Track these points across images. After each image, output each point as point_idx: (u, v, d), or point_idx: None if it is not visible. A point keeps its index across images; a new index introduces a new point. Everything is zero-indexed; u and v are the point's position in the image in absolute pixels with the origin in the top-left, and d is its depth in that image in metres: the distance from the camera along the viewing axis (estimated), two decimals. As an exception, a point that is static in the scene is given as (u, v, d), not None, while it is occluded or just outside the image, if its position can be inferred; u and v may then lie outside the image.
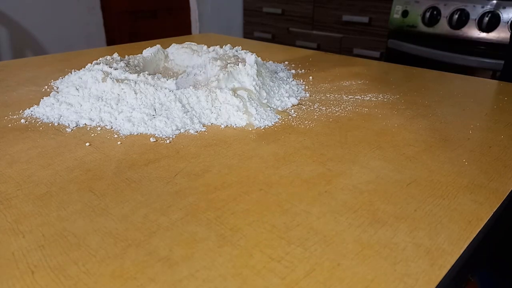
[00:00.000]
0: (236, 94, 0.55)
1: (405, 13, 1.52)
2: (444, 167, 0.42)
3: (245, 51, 0.66)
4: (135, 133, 0.49)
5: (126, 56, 0.67)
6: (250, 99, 0.55)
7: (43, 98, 0.57)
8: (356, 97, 0.65)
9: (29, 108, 0.56)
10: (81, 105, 0.54)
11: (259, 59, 0.64)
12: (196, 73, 0.63)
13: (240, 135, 0.49)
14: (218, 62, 0.60)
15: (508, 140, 0.49)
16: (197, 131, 0.50)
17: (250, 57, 0.61)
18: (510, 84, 0.74)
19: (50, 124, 0.52)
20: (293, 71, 0.80)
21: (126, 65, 0.62)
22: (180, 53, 0.71)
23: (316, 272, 0.27)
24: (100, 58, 0.64)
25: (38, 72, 0.77)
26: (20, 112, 0.56)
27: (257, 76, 0.59)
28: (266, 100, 0.58)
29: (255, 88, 0.57)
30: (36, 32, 1.75)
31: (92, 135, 0.49)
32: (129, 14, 2.08)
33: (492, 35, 1.33)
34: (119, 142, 0.47)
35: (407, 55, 1.53)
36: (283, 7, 2.07)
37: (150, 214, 0.34)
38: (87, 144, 0.46)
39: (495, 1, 1.32)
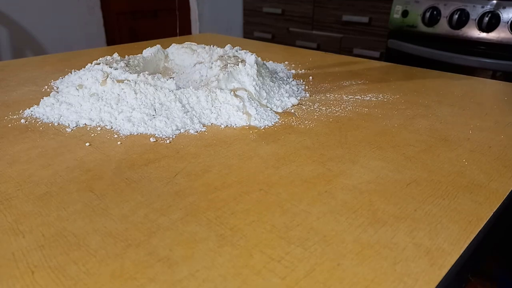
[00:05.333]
0: (236, 94, 0.55)
1: (405, 13, 1.52)
2: (444, 167, 0.42)
3: (245, 51, 0.66)
4: (135, 133, 0.49)
5: (126, 56, 0.67)
6: (250, 99, 0.55)
7: (43, 98, 0.57)
8: (356, 97, 0.65)
9: (29, 108, 0.56)
10: (81, 105, 0.54)
11: (259, 59, 0.64)
12: (196, 73, 0.63)
13: (240, 135, 0.49)
14: (218, 62, 0.60)
15: (508, 140, 0.49)
16: (197, 131, 0.50)
17: (250, 57, 0.61)
18: (510, 84, 0.74)
19: (50, 124, 0.52)
20: (293, 71, 0.80)
21: (126, 65, 0.62)
22: (180, 53, 0.71)
23: (316, 272, 0.27)
24: (100, 58, 0.64)
25: (38, 72, 0.77)
26: (20, 112, 0.56)
27: (257, 76, 0.59)
28: (266, 100, 0.58)
29: (255, 88, 0.57)
30: (36, 32, 1.74)
31: (92, 135, 0.49)
32: (129, 14, 2.08)
33: (492, 35, 1.33)
34: (119, 142, 0.47)
35: (407, 55, 1.53)
36: (283, 7, 2.07)
37: (150, 214, 0.34)
38: (87, 144, 0.46)
39: (495, 1, 1.32)
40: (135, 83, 0.54)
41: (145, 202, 0.35)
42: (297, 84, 0.70)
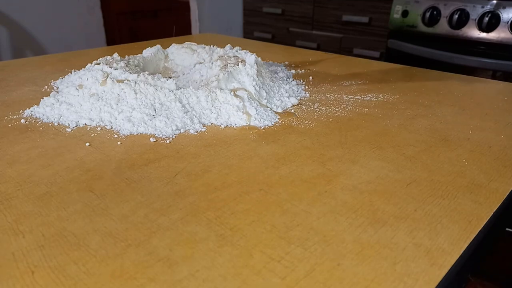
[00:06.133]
0: (236, 94, 0.55)
1: (405, 13, 1.52)
2: (444, 167, 0.42)
3: (245, 51, 0.66)
4: (135, 133, 0.49)
5: (126, 56, 0.67)
6: (250, 99, 0.55)
7: (43, 98, 0.57)
8: (356, 97, 0.65)
9: (29, 108, 0.56)
10: (81, 105, 0.54)
11: (259, 59, 0.64)
12: (196, 73, 0.63)
13: (240, 135, 0.49)
14: (218, 62, 0.60)
15: (508, 140, 0.49)
16: (197, 131, 0.50)
17: (250, 57, 0.61)
18: (510, 84, 0.74)
19: (50, 124, 0.52)
20: (293, 71, 0.80)
21: (126, 65, 0.62)
22: (180, 53, 0.71)
23: (316, 272, 0.27)
24: (100, 58, 0.64)
25: (38, 72, 0.77)
26: (20, 112, 0.56)
27: (257, 76, 0.59)
28: (266, 100, 0.58)
29: (255, 88, 0.57)
30: (36, 32, 1.74)
31: (92, 135, 0.49)
32: (129, 14, 2.08)
33: (492, 35, 1.33)
34: (119, 142, 0.47)
35: (407, 55, 1.53)
36: (283, 7, 2.07)
37: (150, 214, 0.34)
38: (87, 144, 0.46)
39: (495, 1, 1.32)
40: (135, 83, 0.54)
41: (145, 202, 0.35)
42: (297, 84, 0.70)
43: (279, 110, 0.58)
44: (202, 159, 0.43)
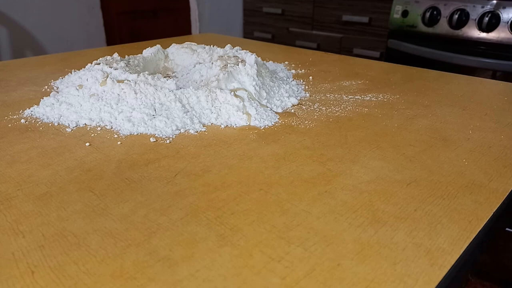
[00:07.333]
0: (236, 94, 0.55)
1: (405, 13, 1.52)
2: (444, 167, 0.42)
3: (245, 51, 0.66)
4: (135, 133, 0.49)
5: (126, 56, 0.67)
6: (250, 99, 0.55)
7: (43, 98, 0.57)
8: (356, 97, 0.65)
9: (29, 108, 0.56)
10: (81, 105, 0.54)
11: (259, 59, 0.64)
12: (196, 73, 0.63)
13: (240, 135, 0.49)
14: (218, 62, 0.60)
15: (508, 140, 0.49)
16: (197, 131, 0.50)
17: (250, 57, 0.61)
18: (510, 84, 0.74)
19: (50, 124, 0.52)
20: (293, 71, 0.80)
21: (126, 65, 0.62)
22: (180, 53, 0.71)
23: (316, 272, 0.27)
24: (100, 58, 0.64)
25: (38, 72, 0.77)
26: (20, 112, 0.56)
27: (257, 76, 0.59)
28: (266, 100, 0.58)
29: (255, 88, 0.57)
30: (36, 32, 1.74)
31: (92, 135, 0.49)
32: (129, 14, 2.08)
33: (492, 35, 1.33)
34: (119, 142, 0.47)
35: (407, 55, 1.53)
36: (283, 7, 2.07)
37: (150, 214, 0.34)
38: (87, 144, 0.46)
39: (495, 1, 1.32)
40: (135, 83, 0.54)
41: (145, 202, 0.35)
42: (297, 84, 0.70)
43: (279, 110, 0.58)
44: (202, 159, 0.43)
